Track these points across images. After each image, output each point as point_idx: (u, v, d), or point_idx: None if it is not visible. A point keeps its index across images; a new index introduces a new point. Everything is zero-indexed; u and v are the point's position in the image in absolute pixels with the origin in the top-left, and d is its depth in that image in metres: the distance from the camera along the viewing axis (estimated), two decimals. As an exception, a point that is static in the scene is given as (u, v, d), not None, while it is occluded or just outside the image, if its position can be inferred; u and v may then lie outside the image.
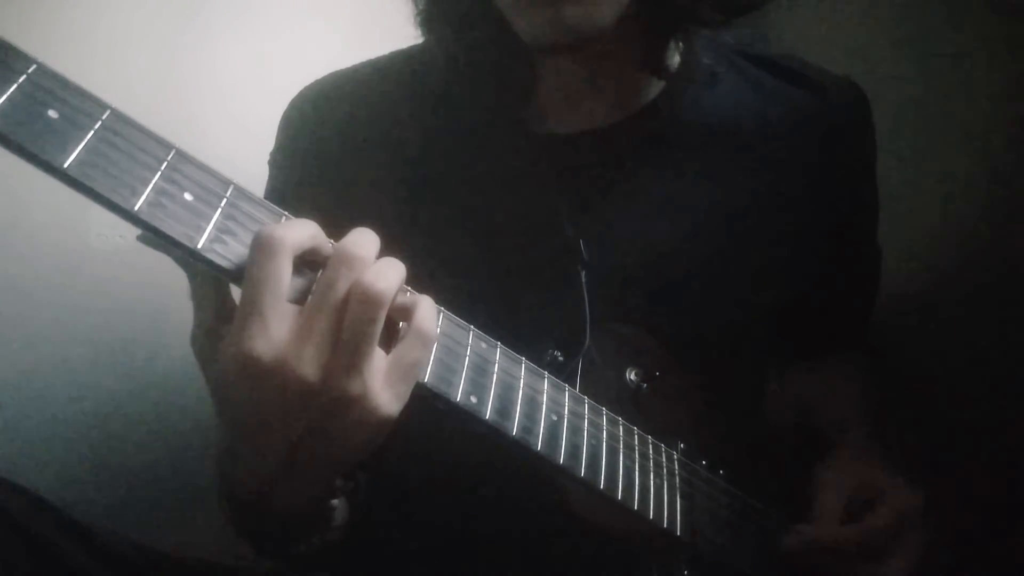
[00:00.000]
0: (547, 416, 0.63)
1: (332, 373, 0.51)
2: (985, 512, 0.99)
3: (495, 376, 0.61)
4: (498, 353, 0.62)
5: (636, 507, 0.69)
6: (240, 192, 0.52)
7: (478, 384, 0.59)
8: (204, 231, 0.50)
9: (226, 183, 0.52)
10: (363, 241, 0.53)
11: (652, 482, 0.71)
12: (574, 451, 0.65)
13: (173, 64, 1.16)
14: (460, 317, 0.61)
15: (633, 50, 0.79)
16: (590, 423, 0.67)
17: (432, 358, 0.57)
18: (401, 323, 0.56)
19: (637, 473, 0.70)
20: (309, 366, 0.50)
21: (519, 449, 0.61)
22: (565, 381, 0.67)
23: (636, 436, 0.72)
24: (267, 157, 0.88)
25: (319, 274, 0.53)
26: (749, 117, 0.85)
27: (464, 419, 0.59)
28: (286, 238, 0.50)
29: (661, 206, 0.82)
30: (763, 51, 0.90)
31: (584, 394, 0.68)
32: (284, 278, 0.50)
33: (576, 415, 0.66)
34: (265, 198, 0.83)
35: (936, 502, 0.81)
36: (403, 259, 0.56)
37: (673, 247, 0.81)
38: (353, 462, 0.59)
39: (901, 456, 0.86)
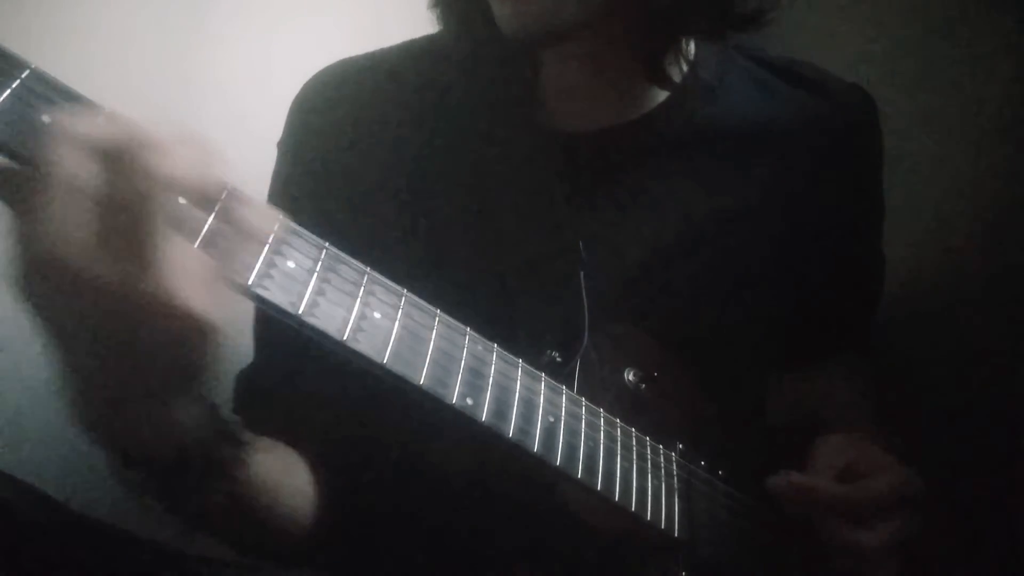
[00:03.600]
0: (544, 418, 0.63)
1: (120, 264, 0.46)
2: (984, 512, 0.98)
3: (491, 378, 0.61)
4: (494, 355, 0.62)
5: (633, 508, 0.69)
6: (234, 195, 0.52)
7: (474, 386, 0.59)
8: (198, 236, 0.50)
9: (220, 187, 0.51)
10: (148, 129, 0.47)
11: (650, 483, 0.71)
12: (571, 453, 0.65)
13: (174, 64, 1.16)
14: (458, 316, 0.61)
15: (631, 58, 0.79)
16: (587, 424, 0.67)
17: (427, 360, 0.57)
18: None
19: (635, 474, 0.70)
20: (92, 258, 0.45)
21: (516, 451, 0.61)
22: (563, 382, 0.67)
23: (634, 437, 0.72)
24: (267, 157, 0.87)
25: (106, 159, 0.47)
26: (755, 121, 0.84)
27: (460, 421, 0.58)
28: (77, 129, 0.45)
29: (662, 208, 0.82)
30: (770, 55, 0.90)
31: (582, 395, 0.68)
32: (71, 169, 0.45)
33: (573, 416, 0.66)
34: (273, 182, 0.84)
35: (936, 501, 0.80)
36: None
37: (673, 249, 0.81)
38: (180, 382, 0.54)
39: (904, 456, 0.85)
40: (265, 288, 0.51)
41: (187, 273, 0.48)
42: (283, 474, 0.72)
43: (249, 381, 0.83)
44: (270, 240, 0.52)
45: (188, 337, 0.49)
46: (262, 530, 0.71)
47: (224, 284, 0.50)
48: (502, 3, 0.71)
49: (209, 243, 0.50)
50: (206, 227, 0.50)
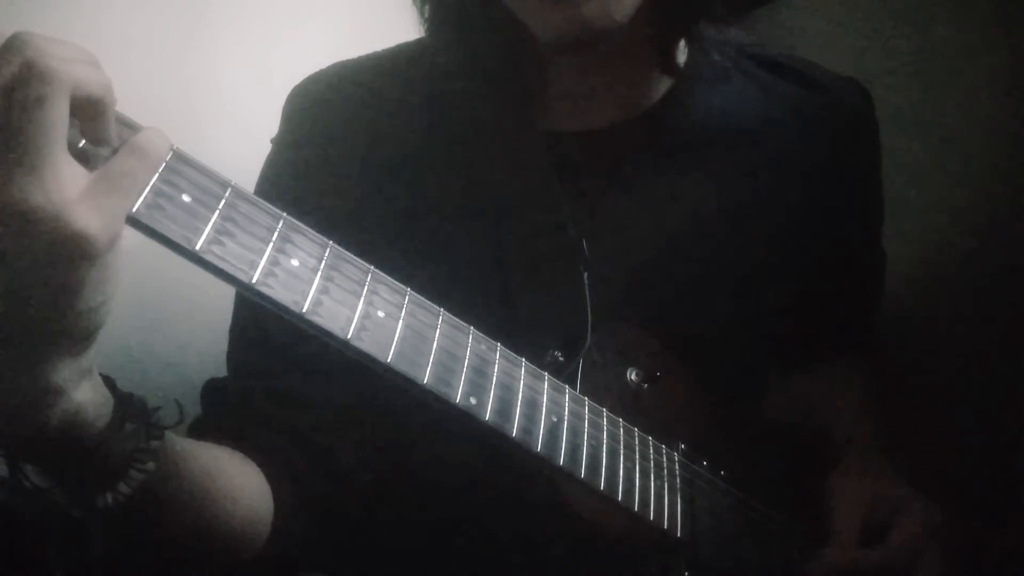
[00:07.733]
0: (547, 417, 0.63)
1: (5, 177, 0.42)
2: (984, 513, 0.98)
3: (495, 377, 0.60)
4: (498, 354, 0.62)
5: (636, 508, 0.69)
6: (238, 193, 0.52)
7: (477, 385, 0.59)
8: (202, 233, 0.49)
9: (224, 184, 0.51)
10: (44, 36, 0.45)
11: (652, 483, 0.71)
12: (574, 452, 0.65)
13: (173, 64, 1.16)
14: (461, 316, 0.61)
15: (643, 48, 0.79)
16: (590, 424, 0.67)
17: (431, 360, 0.57)
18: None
19: (637, 474, 0.70)
20: None
21: (519, 450, 0.61)
22: (566, 382, 0.67)
23: (637, 437, 0.71)
24: (266, 157, 0.87)
25: None
26: (754, 118, 0.85)
27: (463, 420, 0.58)
28: None
29: (665, 206, 0.82)
30: (768, 52, 0.90)
31: (585, 395, 0.68)
32: None
33: (576, 416, 0.66)
34: (263, 173, 0.83)
35: (943, 508, 0.81)
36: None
37: (676, 247, 0.81)
38: (65, 330, 0.47)
39: (907, 463, 0.86)
40: (269, 286, 0.51)
41: (72, 181, 0.43)
42: (222, 474, 0.64)
43: (224, 385, 0.77)
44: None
45: (67, 250, 0.43)
46: (193, 535, 0.62)
47: (231, 283, 0.50)
48: (551, 13, 0.69)
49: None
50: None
